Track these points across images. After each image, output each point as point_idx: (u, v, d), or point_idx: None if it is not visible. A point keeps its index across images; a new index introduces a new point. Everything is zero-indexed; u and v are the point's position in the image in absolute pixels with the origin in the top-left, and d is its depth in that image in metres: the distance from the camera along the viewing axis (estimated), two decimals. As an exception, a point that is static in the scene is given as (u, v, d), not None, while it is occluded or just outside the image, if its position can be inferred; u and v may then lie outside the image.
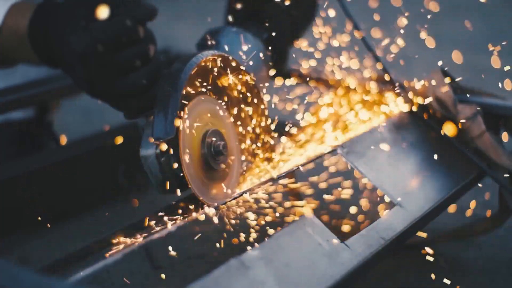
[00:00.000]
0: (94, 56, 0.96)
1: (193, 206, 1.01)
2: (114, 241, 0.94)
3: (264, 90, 1.19)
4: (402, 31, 1.37)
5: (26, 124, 1.62)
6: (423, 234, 1.24)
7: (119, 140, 1.36)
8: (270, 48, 1.29)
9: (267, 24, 1.29)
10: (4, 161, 1.56)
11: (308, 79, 1.48)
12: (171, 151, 0.99)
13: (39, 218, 1.39)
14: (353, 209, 1.19)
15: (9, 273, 0.72)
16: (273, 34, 1.28)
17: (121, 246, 0.91)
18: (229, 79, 1.10)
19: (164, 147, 0.99)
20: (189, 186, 1.00)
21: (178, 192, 1.02)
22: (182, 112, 1.00)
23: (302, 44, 1.38)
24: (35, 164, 1.38)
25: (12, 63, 1.24)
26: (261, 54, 1.28)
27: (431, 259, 1.25)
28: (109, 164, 1.48)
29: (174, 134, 0.98)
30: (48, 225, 1.35)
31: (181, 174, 1.00)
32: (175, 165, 0.99)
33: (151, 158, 0.99)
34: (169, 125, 0.97)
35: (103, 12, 0.95)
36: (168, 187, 1.01)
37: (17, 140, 1.61)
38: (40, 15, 1.04)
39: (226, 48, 1.23)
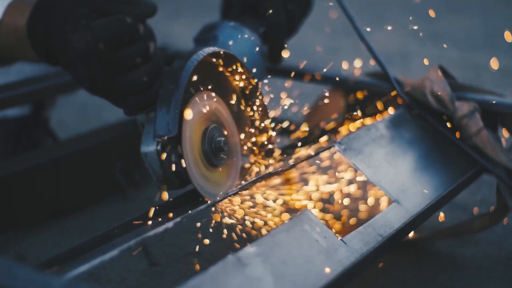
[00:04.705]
0: (96, 54, 0.96)
1: (191, 202, 1.01)
2: (111, 238, 0.94)
3: (261, 85, 1.19)
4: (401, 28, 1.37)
5: (22, 121, 1.61)
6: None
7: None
8: (266, 42, 1.29)
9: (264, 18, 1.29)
10: (0, 158, 1.56)
11: (304, 74, 1.48)
12: (172, 148, 0.99)
13: (36, 215, 1.39)
14: (350, 206, 1.19)
15: (6, 270, 0.72)
16: (270, 27, 1.28)
17: (118, 243, 0.91)
18: (229, 76, 1.10)
19: (165, 144, 0.99)
20: (190, 182, 1.00)
21: (179, 188, 1.02)
22: (183, 109, 1.00)
23: (298, 38, 1.38)
24: (31, 162, 1.38)
25: (10, 61, 1.24)
26: (258, 48, 1.28)
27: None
28: (105, 161, 1.48)
29: (177, 131, 0.98)
30: (45, 222, 1.35)
31: (182, 171, 1.00)
32: (176, 162, 1.00)
33: (152, 154, 1.00)
34: (171, 123, 0.98)
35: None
36: (169, 184, 1.01)
37: (13, 137, 1.60)
38: (39, 13, 1.03)
39: (223, 42, 1.23)
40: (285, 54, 1.33)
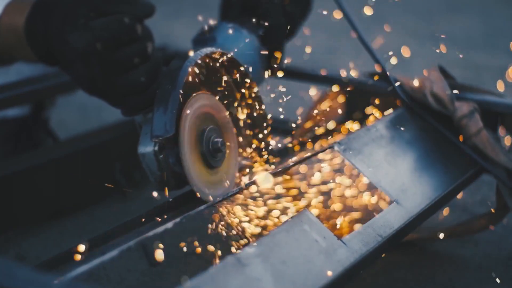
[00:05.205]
0: (95, 54, 0.96)
1: (190, 203, 1.01)
2: (111, 238, 0.94)
3: (260, 85, 1.19)
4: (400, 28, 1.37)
5: (22, 121, 1.62)
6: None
7: None
8: (265, 44, 1.29)
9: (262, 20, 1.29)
10: (0, 158, 1.56)
11: (303, 75, 1.47)
12: (170, 149, 0.99)
13: (35, 215, 1.39)
14: (350, 206, 1.19)
15: (6, 270, 0.72)
16: (268, 29, 1.28)
17: (118, 243, 0.91)
18: (227, 76, 1.10)
19: (162, 144, 0.98)
20: (188, 183, 1.00)
21: (177, 189, 1.02)
22: (181, 110, 1.00)
23: (297, 40, 1.38)
24: (31, 162, 1.38)
25: (10, 61, 1.24)
26: (257, 50, 1.27)
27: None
28: (105, 161, 1.48)
29: (174, 132, 0.98)
30: (45, 222, 1.35)
31: (180, 172, 0.99)
32: (174, 163, 0.99)
33: (150, 155, 0.99)
34: (168, 123, 0.97)
35: None
36: (166, 184, 1.01)
37: (13, 137, 1.60)
38: (37, 12, 1.03)
39: (222, 43, 1.23)
40: (284, 55, 1.33)
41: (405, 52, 1.38)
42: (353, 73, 1.43)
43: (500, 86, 1.34)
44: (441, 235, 1.37)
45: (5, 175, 1.33)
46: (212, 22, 1.30)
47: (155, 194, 1.03)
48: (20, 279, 0.71)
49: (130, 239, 0.89)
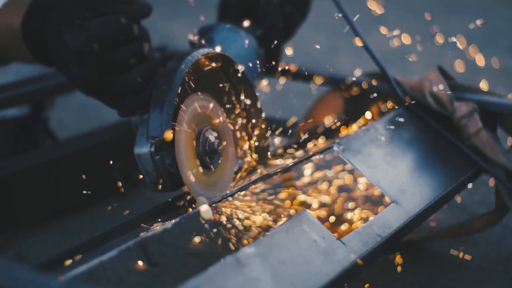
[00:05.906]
0: (90, 54, 0.96)
1: (189, 203, 1.01)
2: (110, 238, 0.94)
3: (257, 86, 1.18)
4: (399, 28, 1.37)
5: (22, 121, 1.62)
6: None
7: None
8: (263, 44, 1.29)
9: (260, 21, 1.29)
10: (0, 158, 1.56)
11: (303, 75, 1.47)
12: (166, 150, 0.99)
13: (35, 215, 1.39)
14: (349, 206, 1.19)
15: (5, 270, 0.72)
16: (266, 30, 1.28)
17: (117, 243, 0.91)
18: (223, 77, 1.10)
19: (158, 145, 0.98)
20: (184, 184, 1.00)
21: (172, 190, 1.02)
22: (177, 111, 1.00)
23: (295, 40, 1.38)
24: (31, 162, 1.38)
25: (7, 61, 1.24)
26: (254, 51, 1.27)
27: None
28: (104, 161, 1.48)
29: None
30: (44, 222, 1.35)
31: (175, 173, 0.99)
32: (170, 164, 0.99)
33: (145, 156, 0.99)
34: (164, 124, 0.97)
35: None
36: (162, 185, 1.01)
37: (13, 137, 1.61)
38: (34, 12, 1.03)
39: (219, 44, 1.23)
40: (283, 55, 1.33)
41: (405, 39, 1.39)
42: (353, 73, 1.43)
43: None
44: (441, 235, 1.37)
45: (5, 175, 1.33)
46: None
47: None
48: (20, 279, 0.71)
49: (129, 239, 0.89)
